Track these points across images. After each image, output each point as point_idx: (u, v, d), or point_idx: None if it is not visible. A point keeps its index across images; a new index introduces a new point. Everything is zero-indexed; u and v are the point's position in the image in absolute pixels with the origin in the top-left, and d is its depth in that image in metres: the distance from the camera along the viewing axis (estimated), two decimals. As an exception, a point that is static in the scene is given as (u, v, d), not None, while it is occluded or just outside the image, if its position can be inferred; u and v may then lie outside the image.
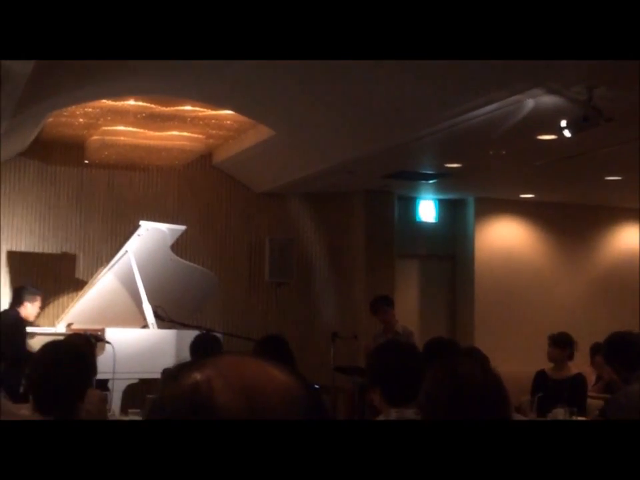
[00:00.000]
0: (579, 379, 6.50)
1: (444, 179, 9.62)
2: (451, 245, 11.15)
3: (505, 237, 10.96)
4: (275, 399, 0.93)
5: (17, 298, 8.09)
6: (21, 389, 7.11)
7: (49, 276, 9.40)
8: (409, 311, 10.22)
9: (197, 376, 0.94)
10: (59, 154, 9.62)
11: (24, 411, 4.88)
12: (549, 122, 6.72)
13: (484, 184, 10.07)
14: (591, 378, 7.41)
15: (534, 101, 6.35)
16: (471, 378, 2.42)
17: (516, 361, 8.67)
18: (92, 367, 3.43)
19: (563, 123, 6.43)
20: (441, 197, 11.00)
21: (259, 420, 0.91)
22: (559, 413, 5.48)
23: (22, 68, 5.38)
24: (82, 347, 3.43)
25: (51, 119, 8.45)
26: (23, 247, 9.47)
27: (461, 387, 2.39)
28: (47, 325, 8.86)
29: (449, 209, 11.17)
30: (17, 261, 9.38)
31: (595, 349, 7.20)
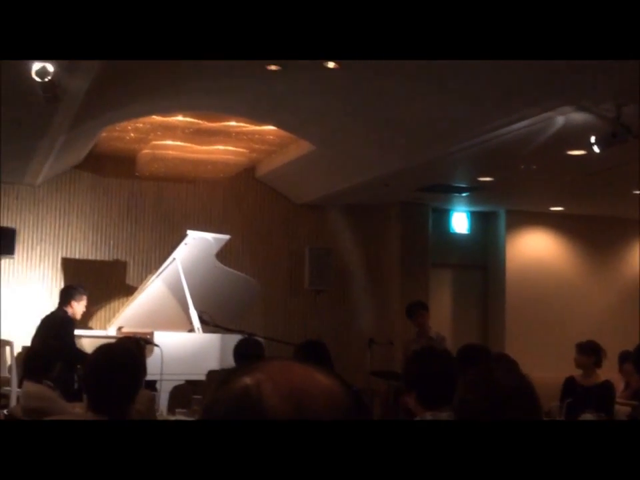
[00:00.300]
0: (607, 386, 6.46)
1: (476, 192, 9.71)
2: (483, 256, 11.27)
3: (535, 248, 11.04)
4: (321, 402, 0.95)
5: (65, 297, 8.15)
6: (74, 388, 7.41)
7: (101, 282, 9.52)
8: (442, 319, 10.33)
9: (247, 380, 0.96)
10: (111, 167, 9.76)
11: (77, 409, 5.18)
12: (578, 138, 6.78)
13: (515, 197, 10.12)
14: (620, 385, 7.33)
15: (564, 117, 6.43)
16: (505, 383, 2.42)
17: (545, 367, 8.60)
18: (143, 368, 3.31)
19: (592, 139, 6.50)
20: (474, 209, 11.10)
21: (304, 420, 0.93)
22: (588, 419, 5.50)
23: (78, 85, 5.61)
24: (134, 350, 3.37)
25: (104, 134, 8.61)
26: (77, 254, 9.62)
27: (494, 391, 2.39)
28: (99, 328, 9.06)
29: (481, 220, 11.28)
30: (71, 268, 9.52)
31: (624, 357, 7.19)
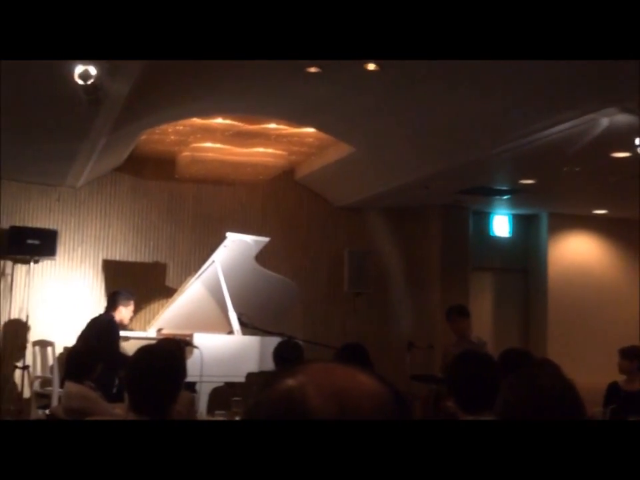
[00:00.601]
0: (652, 391, 6.36)
1: (518, 195, 9.66)
2: (525, 259, 11.20)
3: (577, 251, 10.95)
4: (365, 403, 0.95)
5: (112, 302, 8.25)
6: (114, 390, 7.49)
7: (141, 283, 9.56)
8: (483, 323, 10.25)
9: (290, 382, 0.96)
10: (151, 169, 9.83)
11: (118, 410, 5.23)
12: (623, 140, 6.73)
13: (557, 200, 10.04)
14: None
15: (608, 119, 6.38)
16: (549, 387, 2.42)
17: (588, 372, 8.41)
18: (183, 370, 3.32)
19: (637, 141, 6.47)
20: (515, 212, 11.03)
21: (347, 421, 0.93)
22: (632, 425, 5.48)
23: (120, 88, 5.66)
24: (175, 351, 3.40)
25: (144, 136, 8.66)
26: (117, 256, 9.69)
27: (538, 395, 2.39)
28: (139, 329, 9.08)
29: (522, 223, 11.21)
30: (112, 269, 9.60)
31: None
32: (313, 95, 6.84)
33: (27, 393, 8.89)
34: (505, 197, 9.94)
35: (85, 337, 7.88)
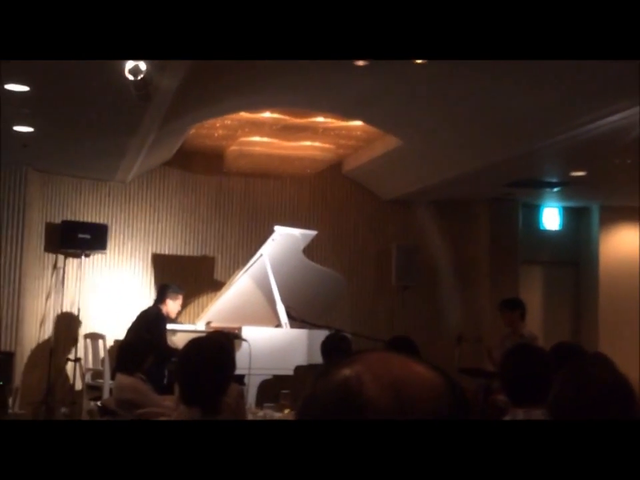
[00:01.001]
0: None
1: (568, 187, 9.54)
2: (575, 252, 11.06)
3: (629, 244, 10.73)
4: (422, 393, 0.95)
5: (160, 295, 8.41)
6: (164, 382, 7.57)
7: (189, 277, 9.64)
8: (533, 317, 10.03)
9: (347, 371, 0.97)
10: (200, 163, 9.89)
11: (168, 402, 5.28)
12: None
13: (609, 192, 9.89)
14: None
15: None
16: (602, 381, 2.41)
17: None
18: (233, 362, 3.32)
19: None
20: (565, 204, 10.90)
21: (406, 417, 0.93)
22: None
23: (168, 85, 5.71)
24: (224, 344, 3.38)
25: (192, 131, 8.73)
26: (166, 249, 9.77)
27: (591, 389, 2.38)
28: (188, 322, 9.16)
29: (573, 216, 11.07)
30: (161, 263, 9.68)
31: None
32: (361, 88, 6.83)
33: (78, 385, 9.03)
34: (555, 190, 9.81)
35: (134, 329, 8.01)
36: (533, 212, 10.90)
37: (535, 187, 9.64)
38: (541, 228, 10.99)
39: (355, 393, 0.94)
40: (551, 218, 11.04)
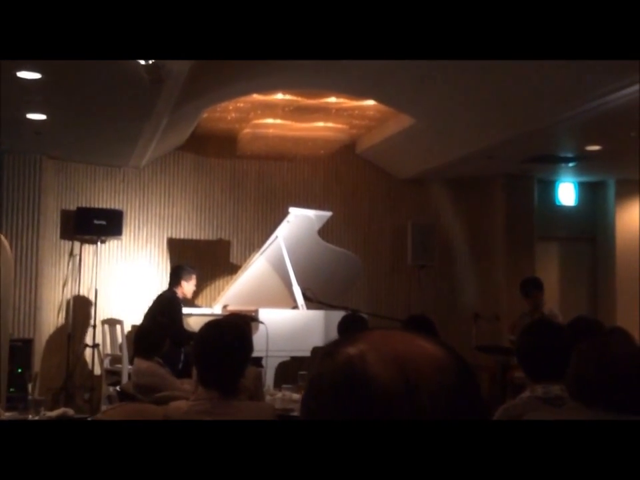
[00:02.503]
0: None
1: (584, 162, 9.47)
2: (591, 227, 10.99)
3: (646, 217, 10.74)
4: (427, 368, 0.95)
5: (174, 278, 8.39)
6: (180, 365, 7.60)
7: (205, 261, 9.66)
8: (550, 293, 9.92)
9: (351, 350, 0.97)
10: (213, 147, 9.88)
11: (187, 385, 5.31)
12: None
13: (625, 166, 9.74)
14: None
15: None
16: (620, 356, 2.42)
17: None
18: (250, 344, 3.35)
19: None
20: (581, 179, 10.81)
21: (412, 392, 0.92)
22: None
23: (180, 68, 5.69)
24: (242, 326, 3.40)
25: (205, 115, 8.71)
26: (182, 234, 9.78)
27: (610, 364, 2.39)
28: (205, 306, 9.22)
29: (589, 191, 10.99)
30: (176, 247, 9.72)
31: None
32: (373, 67, 6.79)
33: (97, 371, 9.09)
34: (571, 165, 9.75)
35: (150, 313, 8.04)
36: (549, 188, 10.83)
37: (550, 162, 9.57)
38: (557, 203, 10.92)
39: (359, 371, 0.94)
40: (567, 193, 10.97)
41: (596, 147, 8.71)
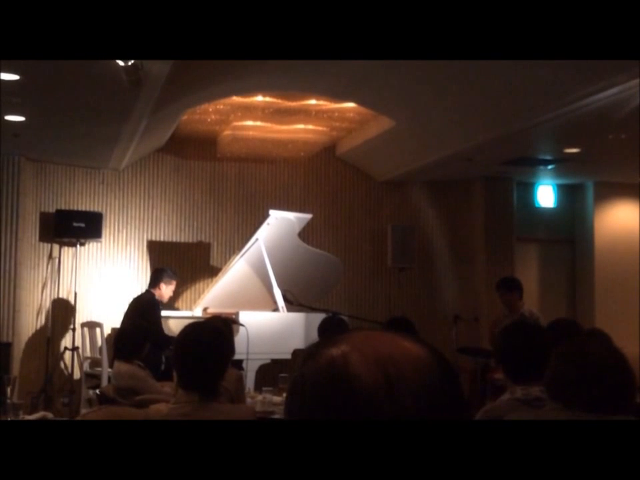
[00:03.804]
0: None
1: (563, 164, 9.50)
2: (570, 229, 11.05)
3: (625, 220, 10.73)
4: (409, 368, 0.95)
5: (154, 279, 8.37)
6: (162, 368, 7.57)
7: (185, 263, 9.65)
8: (529, 294, 9.94)
9: (333, 351, 0.98)
10: (193, 149, 9.86)
11: (167, 388, 5.29)
12: None
13: (603, 168, 9.86)
14: None
15: None
16: (598, 357, 2.44)
17: (637, 342, 8.48)
18: (231, 346, 3.39)
19: None
20: (560, 181, 10.86)
21: (394, 392, 0.93)
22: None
23: (160, 69, 5.68)
24: (222, 329, 3.41)
25: (185, 117, 8.69)
26: (162, 236, 9.74)
27: (588, 365, 2.42)
28: (184, 309, 9.22)
29: (567, 193, 11.04)
30: (156, 250, 9.67)
31: None
32: (353, 69, 6.80)
33: (77, 374, 9.04)
34: (550, 167, 9.78)
35: (129, 316, 8.00)
36: (528, 190, 10.89)
37: (529, 164, 9.62)
38: (536, 205, 10.98)
39: (342, 372, 0.95)
40: (546, 195, 11.03)
41: (575, 150, 8.75)
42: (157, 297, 8.24)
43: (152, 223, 9.76)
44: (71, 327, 9.12)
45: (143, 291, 8.59)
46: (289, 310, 8.18)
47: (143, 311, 7.95)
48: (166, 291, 8.35)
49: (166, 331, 8.09)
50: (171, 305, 8.77)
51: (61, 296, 9.29)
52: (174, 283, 8.47)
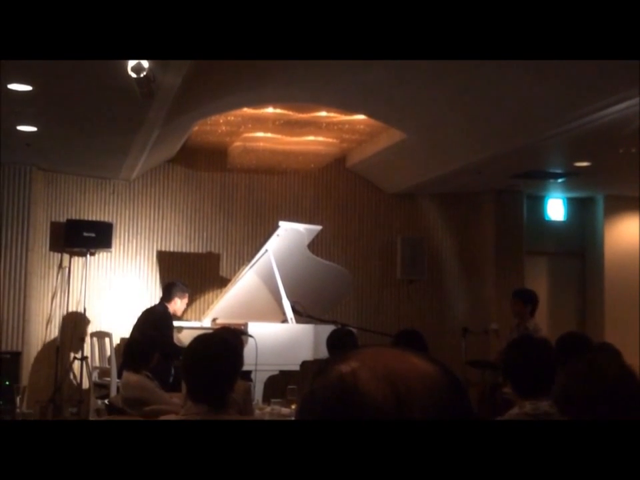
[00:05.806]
0: None
1: (573, 178, 9.49)
2: (580, 243, 11.03)
3: (634, 233, 10.69)
4: (419, 385, 0.95)
5: (168, 293, 8.38)
6: (171, 379, 7.58)
7: (195, 274, 9.67)
8: (539, 307, 10.12)
9: (343, 368, 0.98)
10: (204, 160, 9.89)
11: (176, 399, 5.29)
12: None
13: (613, 182, 9.85)
14: None
15: None
16: (608, 372, 2.44)
17: None
18: (240, 358, 3.37)
19: None
20: (570, 195, 10.85)
21: (404, 409, 0.93)
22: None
23: (171, 81, 5.72)
24: (231, 340, 3.40)
25: (196, 128, 8.74)
26: (171, 247, 9.77)
27: (598, 380, 2.41)
28: (194, 319, 9.19)
29: (578, 206, 11.04)
30: (166, 260, 9.69)
31: None
32: (364, 82, 6.82)
33: (86, 384, 9.05)
34: (560, 180, 9.78)
35: (140, 327, 8.01)
36: (538, 203, 10.88)
37: (539, 178, 9.61)
38: (546, 219, 10.97)
39: (351, 388, 0.95)
40: (556, 209, 11.02)
41: (585, 163, 8.73)
42: (170, 310, 8.25)
43: (162, 233, 9.78)
44: (80, 336, 9.13)
45: (154, 302, 8.61)
46: (297, 321, 8.16)
47: (155, 322, 7.98)
48: (180, 304, 8.39)
49: (175, 342, 8.09)
50: (180, 315, 8.77)
51: (70, 306, 9.30)
52: (187, 295, 8.51)
